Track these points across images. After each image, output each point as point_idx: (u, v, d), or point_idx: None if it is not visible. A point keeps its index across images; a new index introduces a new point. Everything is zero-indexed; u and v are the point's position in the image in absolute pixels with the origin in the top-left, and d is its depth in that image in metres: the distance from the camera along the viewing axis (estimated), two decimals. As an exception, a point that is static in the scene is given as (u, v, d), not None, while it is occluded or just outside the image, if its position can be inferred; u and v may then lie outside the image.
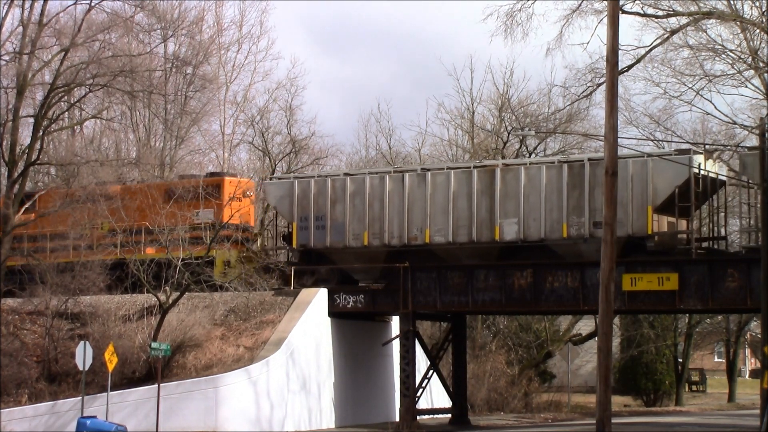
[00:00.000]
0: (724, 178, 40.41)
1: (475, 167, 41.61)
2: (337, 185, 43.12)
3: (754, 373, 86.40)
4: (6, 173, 42.87)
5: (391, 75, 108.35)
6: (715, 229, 41.93)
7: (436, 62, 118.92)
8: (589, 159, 39.94)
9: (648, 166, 38.12)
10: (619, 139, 27.28)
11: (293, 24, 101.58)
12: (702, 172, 38.04)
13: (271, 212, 45.38)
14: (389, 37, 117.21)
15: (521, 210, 40.04)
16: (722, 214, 41.81)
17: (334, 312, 42.68)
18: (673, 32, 36.73)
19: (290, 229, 43.49)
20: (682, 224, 38.92)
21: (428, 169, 42.77)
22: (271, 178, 46.61)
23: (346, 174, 44.13)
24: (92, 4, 42.64)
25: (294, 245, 43.03)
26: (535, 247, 40.34)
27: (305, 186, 43.63)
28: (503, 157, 53.61)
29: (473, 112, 62.02)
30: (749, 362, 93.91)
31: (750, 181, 38.26)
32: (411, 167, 46.35)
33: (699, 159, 38.26)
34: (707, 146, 40.23)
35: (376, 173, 43.55)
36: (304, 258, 43.32)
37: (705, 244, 41.21)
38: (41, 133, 42.50)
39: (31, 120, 44.73)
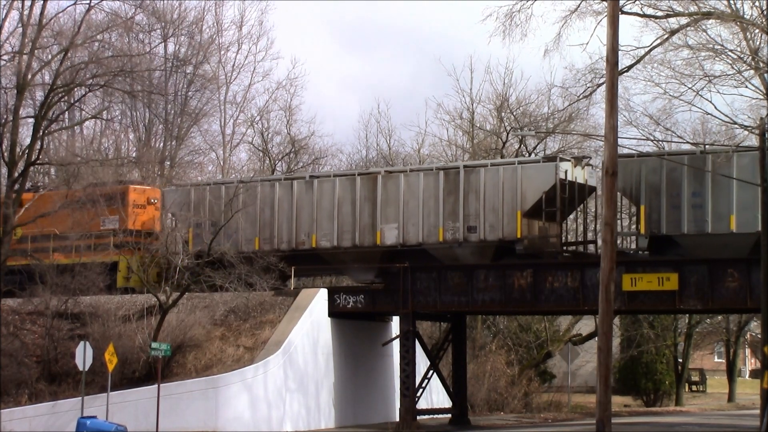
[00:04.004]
0: (593, 185, 41.86)
1: (359, 174, 43.47)
2: (231, 192, 44.35)
3: (754, 373, 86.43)
4: (6, 173, 42.85)
5: (398, 74, 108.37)
6: (586, 233, 43.95)
7: (436, 62, 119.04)
8: (465, 166, 41.95)
9: (518, 172, 40.03)
10: (619, 139, 27.28)
11: (295, 24, 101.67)
12: (569, 178, 39.84)
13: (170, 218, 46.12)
14: (393, 37, 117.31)
15: (401, 215, 41.82)
16: (593, 218, 43.61)
17: (334, 312, 42.72)
18: (673, 32, 36.67)
19: (187, 235, 44.00)
20: (554, 228, 40.41)
21: (316, 176, 44.44)
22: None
23: (239, 181, 45.70)
24: (92, 4, 42.65)
25: (190, 249, 43.51)
26: (414, 251, 41.92)
27: (201, 193, 45.09)
28: (502, 157, 53.70)
29: (473, 112, 62.04)
30: (749, 362, 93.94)
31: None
32: (300, 174, 48.19)
33: (566, 166, 40.00)
34: (710, 144, 40.25)
35: (268, 180, 45.19)
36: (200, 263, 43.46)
37: (575, 248, 43.56)
38: (41, 133, 42.48)
39: (31, 120, 44.73)
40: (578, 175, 40.75)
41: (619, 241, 41.14)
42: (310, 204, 43.35)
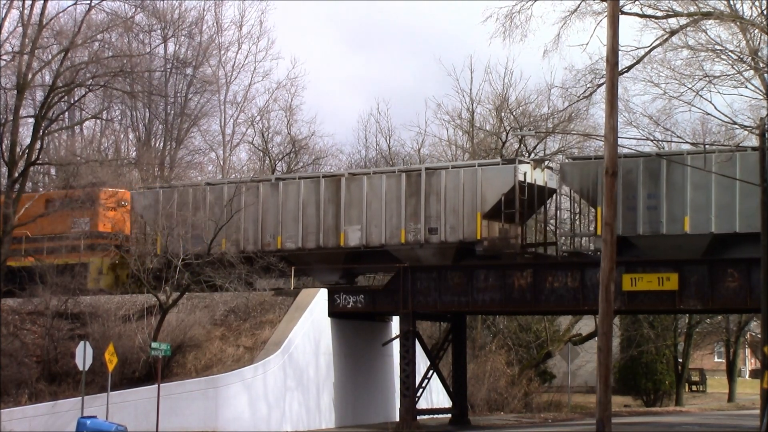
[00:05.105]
0: (554, 187, 42.48)
1: (323, 176, 43.91)
2: (198, 194, 44.81)
3: (754, 373, 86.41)
4: (6, 173, 42.90)
5: (399, 74, 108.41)
6: (546, 234, 44.83)
7: (436, 62, 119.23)
8: (426, 168, 42.57)
9: (478, 174, 40.57)
10: (619, 139, 27.28)
11: (296, 24, 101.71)
12: (528, 180, 40.46)
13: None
14: (395, 37, 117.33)
15: (364, 217, 42.30)
16: (555, 219, 44.24)
17: (334, 312, 42.74)
18: (673, 33, 36.64)
19: (155, 237, 44.44)
20: (514, 230, 41.19)
21: (281, 178, 44.94)
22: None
23: (207, 183, 46.17)
24: (92, 4, 42.67)
25: (158, 252, 43.73)
26: (377, 252, 42.47)
27: (169, 195, 45.50)
28: (501, 157, 53.76)
29: (473, 112, 62.04)
30: (749, 362, 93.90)
31: (571, 189, 41.28)
32: (266, 177, 48.70)
33: (525, 168, 40.65)
34: (709, 144, 40.28)
35: (234, 183, 45.61)
36: (168, 264, 43.47)
37: (539, 249, 44.46)
38: (41, 133, 42.52)
39: (31, 120, 44.76)
40: (538, 177, 41.40)
41: (576, 242, 41.85)
42: (275, 206, 43.79)
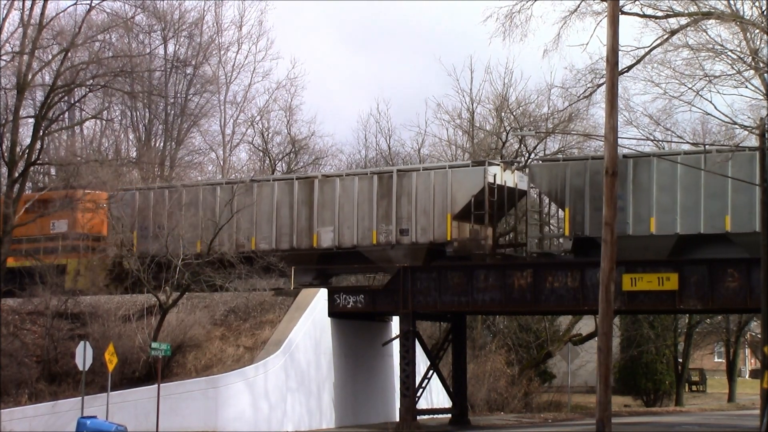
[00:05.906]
0: (524, 188, 42.92)
1: (297, 178, 44.27)
2: (174, 196, 44.97)
3: (754, 373, 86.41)
4: (6, 173, 42.90)
5: (400, 74, 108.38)
6: (519, 236, 45.32)
7: (436, 62, 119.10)
8: (398, 170, 42.97)
9: (448, 176, 40.94)
10: (619, 139, 27.28)
11: (295, 24, 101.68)
12: (498, 182, 40.86)
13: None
14: (395, 37, 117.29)
15: (336, 218, 42.58)
16: (529, 221, 45.02)
17: (334, 312, 42.76)
18: (673, 33, 36.61)
19: (132, 238, 44.77)
20: (487, 231, 41.61)
21: (256, 180, 45.23)
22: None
23: (183, 185, 46.48)
24: (92, 5, 42.68)
25: (134, 252, 44.01)
26: (350, 253, 42.80)
27: (145, 197, 45.74)
28: (502, 157, 53.78)
29: (473, 112, 62.00)
30: (749, 362, 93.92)
31: (540, 191, 41.94)
32: (241, 179, 49.05)
33: (495, 170, 41.10)
34: (710, 144, 40.27)
35: (210, 185, 45.91)
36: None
37: (508, 250, 45.15)
38: (41, 133, 42.52)
39: (31, 120, 44.77)
40: (508, 179, 41.77)
41: (537, 245, 42.28)
42: (250, 208, 43.92)
